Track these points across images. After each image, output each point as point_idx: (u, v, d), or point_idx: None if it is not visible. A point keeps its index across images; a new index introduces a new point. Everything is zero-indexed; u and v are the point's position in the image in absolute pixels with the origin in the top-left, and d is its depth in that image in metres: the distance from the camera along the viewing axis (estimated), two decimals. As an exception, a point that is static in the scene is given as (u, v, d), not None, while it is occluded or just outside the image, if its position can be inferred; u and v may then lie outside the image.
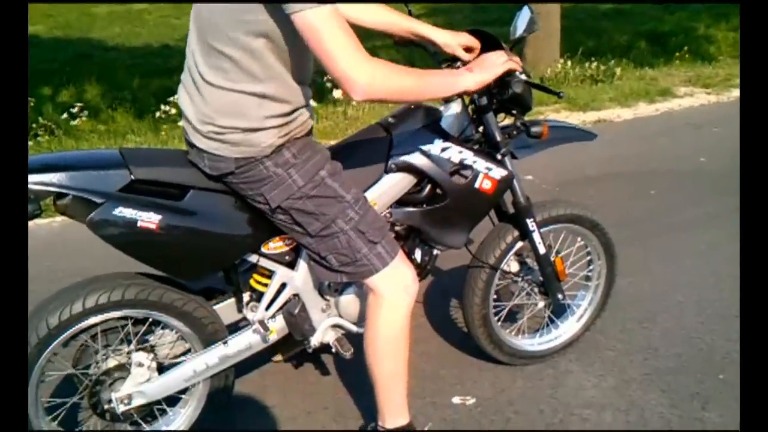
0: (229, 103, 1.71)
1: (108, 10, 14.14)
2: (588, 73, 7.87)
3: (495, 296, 2.45)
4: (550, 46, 8.19)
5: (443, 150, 2.10)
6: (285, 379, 2.55)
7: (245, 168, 1.78)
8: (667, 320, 2.88)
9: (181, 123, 1.88)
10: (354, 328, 2.19)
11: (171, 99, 6.34)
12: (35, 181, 1.69)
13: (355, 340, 2.12)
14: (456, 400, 2.42)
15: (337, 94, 6.32)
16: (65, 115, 6.51)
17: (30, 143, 5.86)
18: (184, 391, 2.09)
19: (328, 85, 6.37)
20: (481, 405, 2.39)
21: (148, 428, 2.10)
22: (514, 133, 2.20)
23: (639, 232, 3.80)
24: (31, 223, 4.14)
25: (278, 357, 2.39)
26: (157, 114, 6.46)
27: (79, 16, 13.96)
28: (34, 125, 6.15)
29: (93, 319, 1.88)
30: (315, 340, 2.15)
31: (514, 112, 2.20)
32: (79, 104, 6.65)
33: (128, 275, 1.96)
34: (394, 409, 2.04)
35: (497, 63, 1.89)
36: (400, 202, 2.16)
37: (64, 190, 1.73)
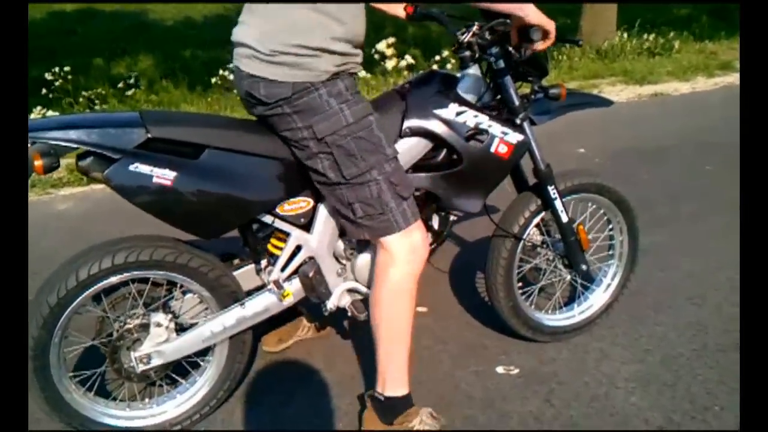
0: (294, 19, 1.74)
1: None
2: (645, 46, 7.72)
3: (520, 283, 2.43)
4: (606, 18, 8.01)
5: (458, 114, 2.09)
6: (330, 344, 2.58)
7: (300, 95, 1.80)
8: (718, 297, 2.81)
9: (232, 64, 1.92)
10: (369, 293, 2.20)
11: (224, 72, 6.40)
12: (55, 137, 1.74)
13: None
14: (500, 370, 2.41)
15: (389, 64, 6.31)
16: (121, 84, 6.63)
17: (86, 112, 5.99)
18: (205, 353, 2.14)
19: (377, 56, 6.37)
20: (525, 375, 2.38)
21: (170, 388, 2.18)
22: (533, 97, 2.20)
23: (693, 207, 3.73)
24: (86, 188, 4.28)
25: (269, 348, 2.48)
26: (213, 80, 6.53)
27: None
28: (86, 93, 6.29)
29: (118, 277, 1.92)
30: (331, 304, 2.17)
31: (530, 78, 2.19)
32: (134, 74, 6.77)
33: (155, 237, 2.00)
34: (394, 377, 2.04)
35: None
36: (416, 168, 2.15)
37: (81, 146, 1.77)
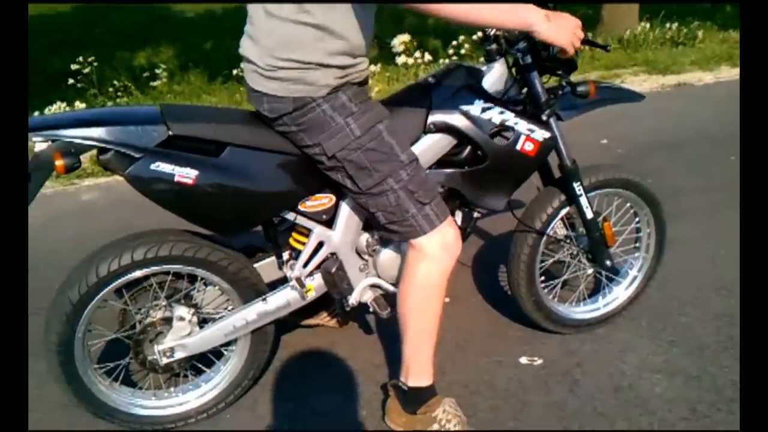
0: (289, 34, 1.71)
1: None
2: (668, 36, 7.62)
3: (542, 277, 2.42)
4: (629, 7, 7.93)
5: (483, 111, 2.06)
6: (355, 334, 2.59)
7: (303, 111, 1.78)
8: (745, 288, 2.79)
9: (243, 73, 1.91)
10: (392, 288, 2.18)
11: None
12: (76, 135, 1.74)
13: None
14: (523, 360, 2.42)
15: (399, 60, 6.30)
16: (147, 74, 6.66)
17: (109, 104, 6.04)
18: (228, 345, 2.15)
19: (394, 50, 6.35)
20: (549, 366, 2.38)
21: (194, 378, 2.20)
22: (560, 93, 2.14)
23: (717, 199, 3.68)
24: (110, 179, 4.31)
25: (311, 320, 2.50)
26: (234, 71, 6.54)
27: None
28: (115, 84, 6.34)
29: (138, 273, 1.93)
30: (353, 299, 2.16)
31: (559, 72, 2.11)
32: (162, 66, 6.81)
33: (174, 231, 2.01)
34: (418, 368, 2.04)
35: (569, 30, 1.78)
36: (440, 164, 2.13)
37: (103, 145, 1.76)
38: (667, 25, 7.82)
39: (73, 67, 6.35)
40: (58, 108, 5.78)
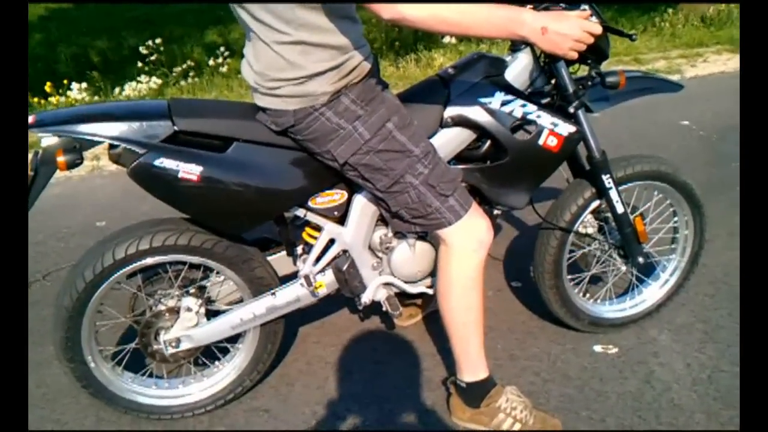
0: (274, 57, 1.66)
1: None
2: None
3: (569, 262, 2.29)
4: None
5: (504, 103, 1.95)
6: (424, 318, 2.57)
7: (307, 122, 1.74)
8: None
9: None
10: (406, 287, 2.12)
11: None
12: (80, 131, 1.72)
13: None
14: (598, 348, 2.35)
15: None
16: (212, 62, 6.70)
17: (182, 83, 6.12)
18: (236, 339, 2.14)
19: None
20: (624, 355, 2.31)
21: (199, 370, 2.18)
22: (589, 84, 2.01)
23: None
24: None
25: (400, 322, 2.48)
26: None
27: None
28: (184, 66, 6.41)
29: (151, 260, 1.92)
30: (366, 298, 2.10)
31: (588, 61, 1.98)
32: (221, 48, 6.86)
33: (180, 221, 1.98)
34: (471, 363, 2.00)
35: (571, 32, 1.65)
36: (458, 159, 2.04)
37: (106, 140, 1.74)
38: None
39: (143, 50, 6.43)
40: (137, 83, 5.91)
